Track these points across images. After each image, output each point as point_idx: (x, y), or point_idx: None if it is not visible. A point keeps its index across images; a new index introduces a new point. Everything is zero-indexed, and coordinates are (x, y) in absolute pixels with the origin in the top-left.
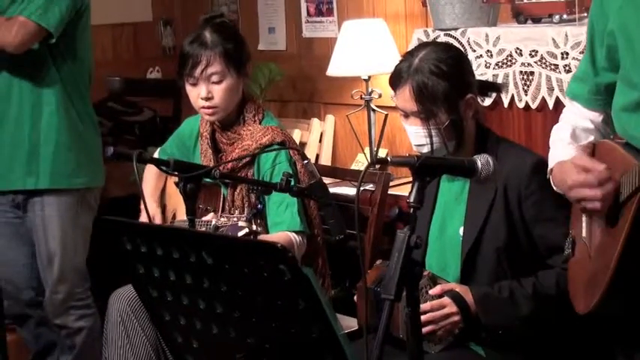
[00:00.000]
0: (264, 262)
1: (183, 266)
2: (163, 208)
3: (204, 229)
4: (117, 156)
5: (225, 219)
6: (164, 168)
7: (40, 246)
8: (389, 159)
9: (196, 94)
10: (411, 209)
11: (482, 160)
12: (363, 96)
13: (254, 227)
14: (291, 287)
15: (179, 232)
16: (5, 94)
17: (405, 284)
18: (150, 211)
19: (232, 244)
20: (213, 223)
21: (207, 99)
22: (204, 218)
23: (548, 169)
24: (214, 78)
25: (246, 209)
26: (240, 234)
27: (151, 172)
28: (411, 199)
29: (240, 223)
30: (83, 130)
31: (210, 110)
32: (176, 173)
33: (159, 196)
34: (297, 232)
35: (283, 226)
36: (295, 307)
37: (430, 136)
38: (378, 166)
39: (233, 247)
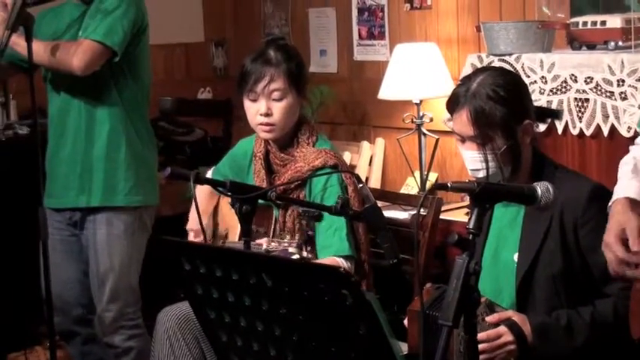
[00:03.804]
0: (326, 286)
1: (242, 288)
2: (215, 227)
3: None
4: (174, 176)
5: (276, 244)
6: (220, 189)
7: (94, 264)
8: (449, 185)
9: (255, 110)
10: (470, 235)
11: (542, 188)
12: (414, 120)
13: (304, 254)
14: (353, 312)
15: (239, 254)
16: (64, 113)
17: (463, 311)
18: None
19: (294, 266)
20: (264, 247)
21: (267, 115)
22: (257, 241)
23: (610, 201)
24: (276, 95)
25: (297, 235)
26: None
27: (201, 193)
28: (471, 226)
29: (291, 249)
30: (142, 148)
31: (267, 127)
32: (232, 195)
33: (209, 216)
34: (345, 257)
35: (332, 249)
36: (356, 332)
37: (486, 161)
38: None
39: (294, 270)
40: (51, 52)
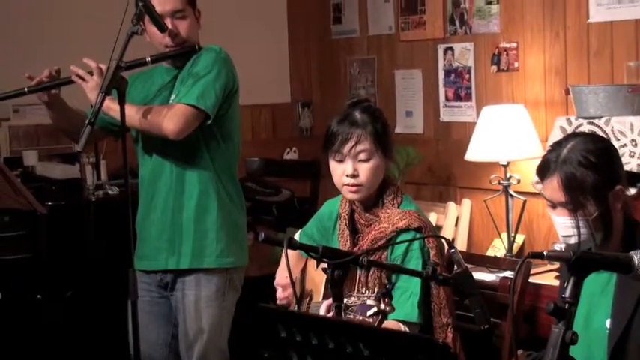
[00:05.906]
0: (424, 357)
1: (338, 356)
2: (302, 290)
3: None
4: (267, 241)
5: (356, 298)
6: (312, 254)
7: (182, 325)
8: (545, 254)
9: (342, 171)
10: (566, 305)
11: (638, 257)
12: (501, 181)
13: (382, 306)
14: None
15: (336, 323)
16: (156, 176)
17: None
18: (287, 294)
19: (391, 336)
20: (344, 302)
21: (353, 176)
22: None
23: None
24: (362, 156)
25: (376, 288)
26: (368, 313)
27: (289, 256)
28: (567, 295)
29: (369, 302)
30: (232, 209)
31: (354, 188)
32: (325, 259)
33: (297, 279)
34: (410, 323)
35: (401, 313)
36: None
37: (578, 228)
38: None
39: (392, 340)
40: (143, 115)
